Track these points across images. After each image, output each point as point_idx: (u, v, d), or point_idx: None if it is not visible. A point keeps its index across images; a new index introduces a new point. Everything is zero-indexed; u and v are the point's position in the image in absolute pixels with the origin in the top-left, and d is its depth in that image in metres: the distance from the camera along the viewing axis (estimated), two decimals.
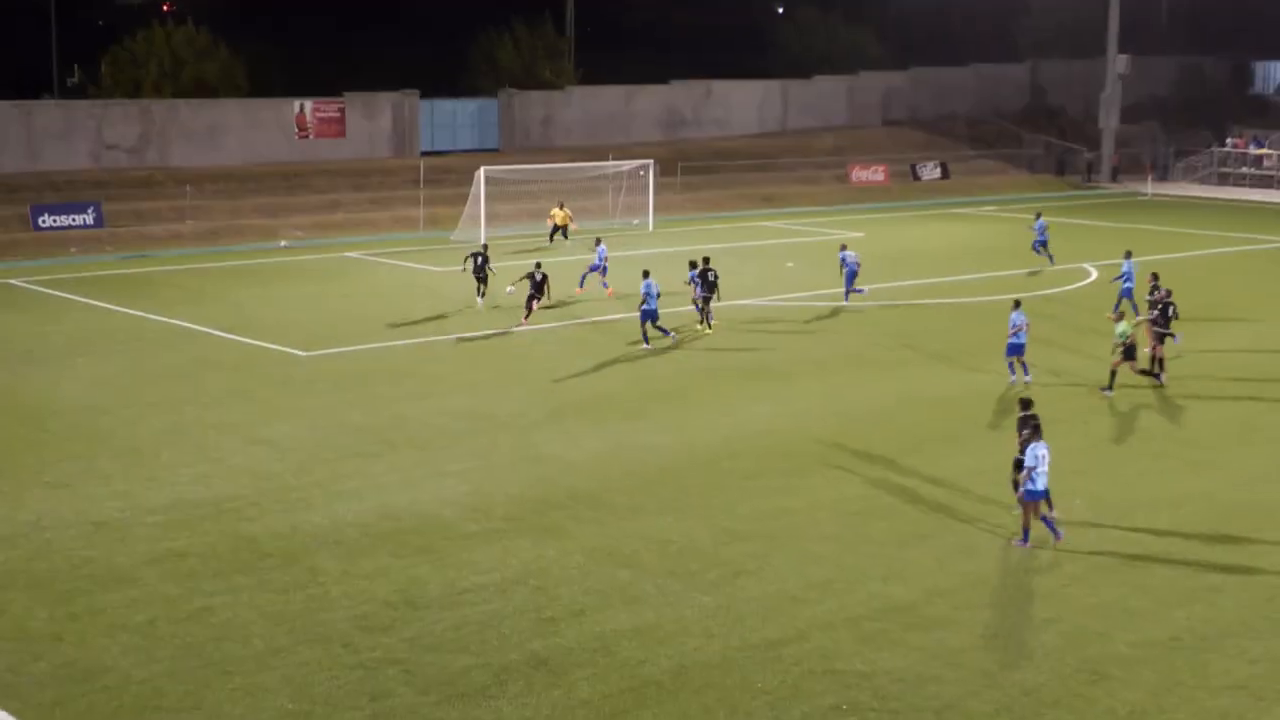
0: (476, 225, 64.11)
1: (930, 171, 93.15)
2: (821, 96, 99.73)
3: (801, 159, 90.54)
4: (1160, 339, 38.79)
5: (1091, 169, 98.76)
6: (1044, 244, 58.60)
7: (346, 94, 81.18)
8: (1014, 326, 37.58)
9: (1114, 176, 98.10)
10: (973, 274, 56.48)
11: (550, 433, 33.23)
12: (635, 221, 70.41)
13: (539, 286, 45.32)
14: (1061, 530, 25.97)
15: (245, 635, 21.79)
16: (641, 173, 72.32)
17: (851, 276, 49.25)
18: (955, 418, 35.01)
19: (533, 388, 37.68)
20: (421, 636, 21.79)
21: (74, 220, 65.00)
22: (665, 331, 42.94)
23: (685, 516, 27.43)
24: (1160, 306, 39.43)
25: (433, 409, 35.24)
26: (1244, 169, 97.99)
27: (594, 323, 46.71)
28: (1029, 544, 25.83)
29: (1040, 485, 25.51)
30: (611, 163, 73.75)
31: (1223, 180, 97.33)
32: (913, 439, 33.16)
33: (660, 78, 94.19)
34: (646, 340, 42.35)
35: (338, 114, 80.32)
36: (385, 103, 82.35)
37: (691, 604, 23.14)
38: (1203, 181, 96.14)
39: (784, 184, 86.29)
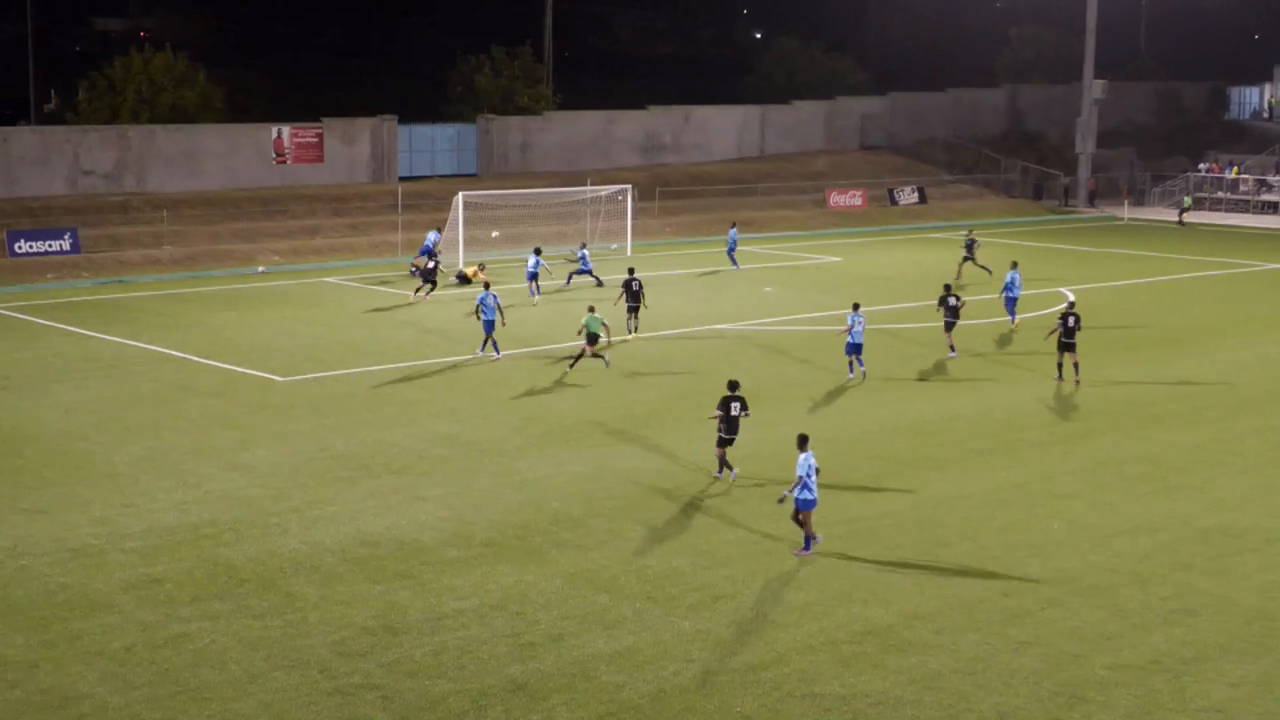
0: (455, 250, 64.13)
1: (908, 196, 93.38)
2: (800, 122, 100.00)
3: (780, 184, 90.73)
4: (1065, 350, 41.50)
5: (1068, 193, 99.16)
6: (970, 258, 62.31)
7: (325, 119, 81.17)
8: (851, 326, 41.24)
9: (1091, 201, 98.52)
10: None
11: (531, 458, 33.20)
12: (613, 246, 70.47)
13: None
14: (817, 541, 26.71)
15: (222, 661, 21.72)
16: (620, 198, 72.43)
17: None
18: (934, 443, 35.08)
19: (513, 413, 37.66)
20: (400, 662, 21.74)
21: (51, 246, 64.79)
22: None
23: (665, 541, 27.42)
24: (1064, 319, 41.55)
25: (412, 434, 35.20)
26: (1219, 194, 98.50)
27: (576, 348, 46.70)
28: (810, 551, 26.53)
29: (812, 494, 26.18)
30: (590, 188, 73.87)
31: (1198, 205, 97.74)
32: (893, 463, 33.22)
33: (639, 103, 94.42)
34: (491, 348, 44.61)
35: (316, 139, 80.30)
36: (364, 128, 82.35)
37: (670, 628, 23.13)
38: (1177, 206, 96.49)
39: (762, 208, 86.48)
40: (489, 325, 44.28)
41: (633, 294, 48.55)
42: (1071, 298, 45.09)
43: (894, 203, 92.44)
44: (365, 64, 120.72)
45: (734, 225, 68.41)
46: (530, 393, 39.98)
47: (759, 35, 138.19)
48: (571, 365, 41.99)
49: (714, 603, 24.27)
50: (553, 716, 20.05)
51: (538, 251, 56.68)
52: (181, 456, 33.08)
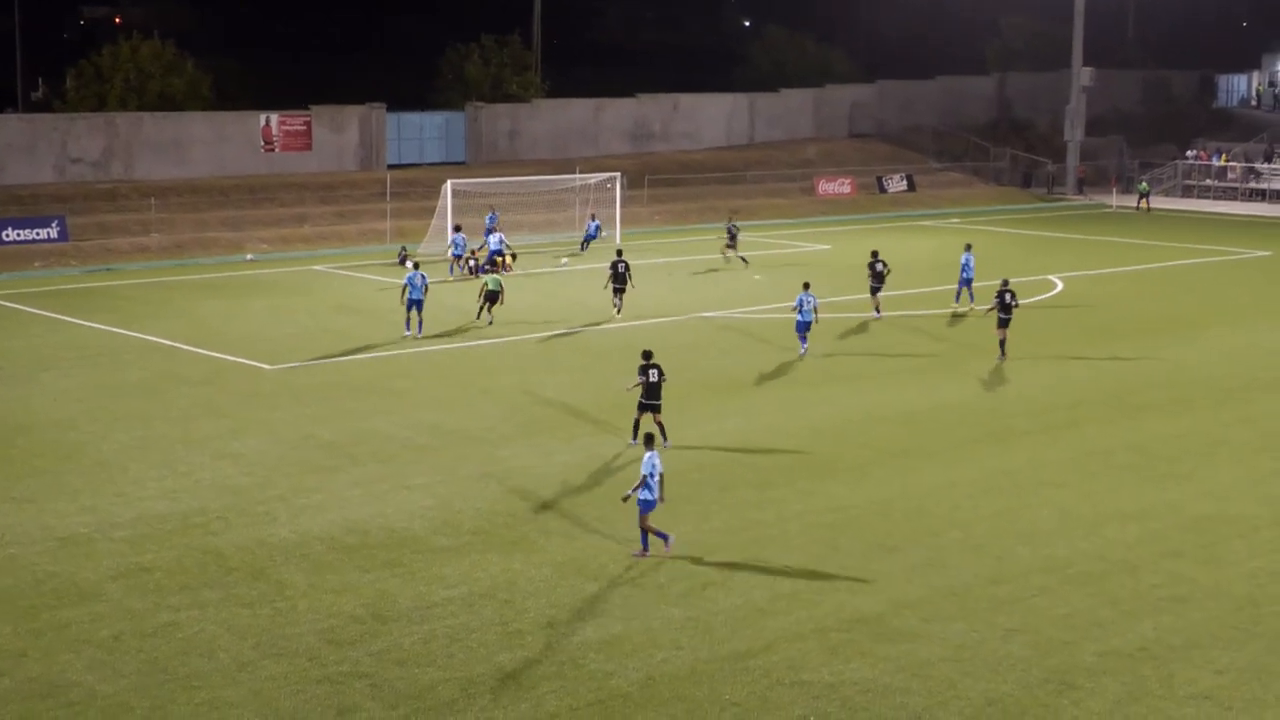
0: (443, 238, 64.03)
1: (897, 184, 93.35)
2: (789, 110, 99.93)
3: (768, 171, 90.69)
4: (1003, 325, 43.11)
5: (1054, 181, 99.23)
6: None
7: (313, 107, 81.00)
8: (801, 306, 42.87)
9: (1079, 189, 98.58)
10: (938, 286, 56.55)
11: (517, 446, 33.19)
12: (603, 234, 70.41)
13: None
14: (668, 542, 25.84)
15: (211, 650, 21.69)
16: (609, 185, 72.35)
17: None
18: (923, 431, 35.10)
19: (500, 401, 37.64)
20: (389, 650, 21.73)
21: (38, 234, 64.63)
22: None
23: None
24: (1000, 296, 43.13)
25: (399, 423, 35.17)
26: (1208, 181, 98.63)
27: (561, 335, 46.72)
28: (649, 553, 25.77)
29: (655, 494, 25.57)
30: (579, 175, 73.78)
31: (1186, 193, 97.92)
32: (880, 452, 33.24)
33: (628, 91, 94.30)
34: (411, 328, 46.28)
35: (304, 127, 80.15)
36: (352, 116, 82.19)
37: (659, 616, 23.13)
38: (1167, 194, 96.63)
39: (751, 196, 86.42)
40: (416, 304, 45.65)
41: (618, 275, 49.63)
42: (1055, 280, 45.30)
43: (883, 190, 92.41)
44: (354, 52, 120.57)
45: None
46: (516, 381, 39.94)
47: (748, 24, 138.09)
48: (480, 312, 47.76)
49: (702, 590, 24.28)
50: (542, 704, 20.05)
51: (458, 229, 60.00)
52: (170, 445, 33.03)
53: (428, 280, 46.48)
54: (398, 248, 64.29)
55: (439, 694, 20.31)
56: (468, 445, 33.28)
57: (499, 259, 59.50)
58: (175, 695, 20.18)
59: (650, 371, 32.67)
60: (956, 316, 50.19)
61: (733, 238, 63.64)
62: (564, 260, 62.76)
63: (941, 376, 41.20)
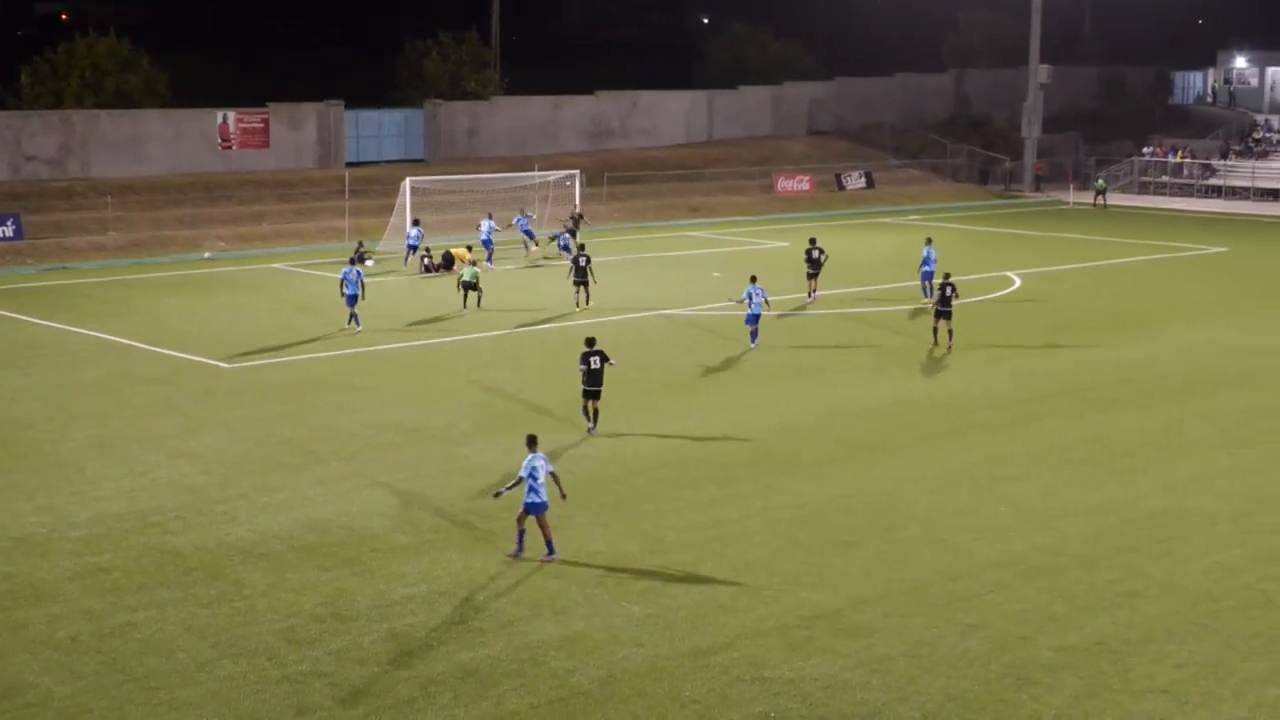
0: (402, 235, 63.92)
1: (855, 181, 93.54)
2: (747, 108, 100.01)
3: (727, 169, 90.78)
4: (940, 317, 44.11)
5: (1012, 178, 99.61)
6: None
7: (271, 104, 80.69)
8: (750, 298, 43.71)
9: (1037, 186, 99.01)
10: (898, 283, 56.77)
11: (478, 443, 33.14)
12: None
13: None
14: (551, 556, 25.43)
15: (169, 650, 21.59)
16: (568, 183, 72.33)
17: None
18: (884, 426, 35.20)
19: (462, 399, 37.58)
20: (349, 649, 21.67)
21: None
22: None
23: (615, 526, 27.42)
24: (940, 288, 44.31)
25: (360, 421, 35.07)
26: (1164, 178, 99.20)
27: (523, 333, 46.69)
28: (521, 554, 25.40)
29: (539, 498, 25.12)
30: (538, 173, 73.72)
31: (1143, 189, 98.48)
32: (842, 447, 33.32)
33: (587, 88, 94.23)
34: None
35: (261, 125, 79.83)
36: (310, 113, 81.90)
37: (620, 613, 23.13)
38: (1123, 190, 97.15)
39: (710, 194, 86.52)
40: (351, 299, 46.37)
41: (580, 270, 50.69)
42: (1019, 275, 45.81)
43: (841, 188, 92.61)
44: (312, 49, 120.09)
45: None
46: (477, 378, 39.90)
47: (707, 20, 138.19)
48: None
49: (664, 587, 24.29)
50: (502, 702, 20.03)
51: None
52: (127, 444, 32.86)
53: (363, 276, 47.37)
54: (356, 245, 64.09)
55: (399, 693, 20.26)
56: (429, 442, 33.22)
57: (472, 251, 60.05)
58: (133, 696, 20.08)
59: (592, 359, 33.42)
60: (919, 311, 50.32)
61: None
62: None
63: (903, 371, 41.33)
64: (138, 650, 21.57)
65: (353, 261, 50.50)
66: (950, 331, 43.83)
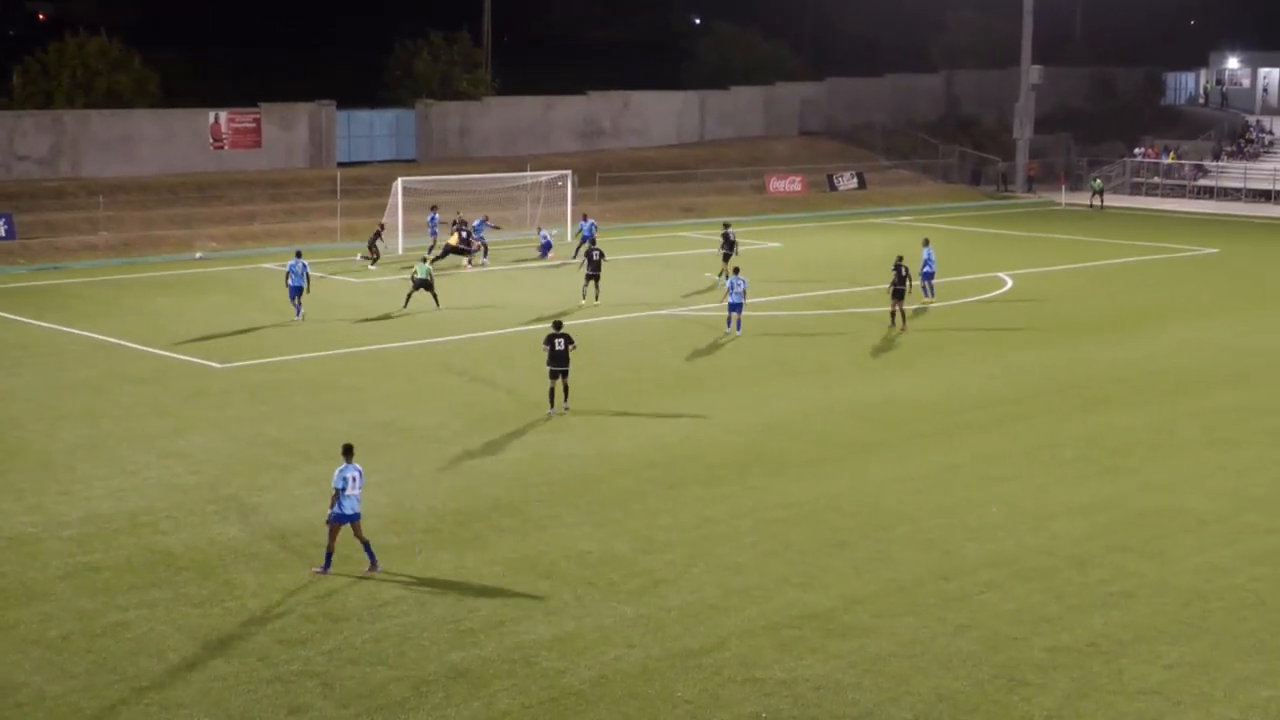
0: (394, 236, 63.92)
1: (847, 182, 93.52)
2: (739, 108, 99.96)
3: (719, 169, 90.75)
4: (897, 296, 46.61)
5: (1005, 179, 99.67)
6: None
7: (262, 104, 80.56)
8: (732, 288, 45.59)
9: (1029, 186, 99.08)
10: (888, 283, 56.66)
11: (469, 443, 33.12)
12: (554, 231, 70.32)
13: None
14: (378, 560, 24.93)
15: (161, 650, 21.56)
16: (560, 183, 72.27)
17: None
18: (875, 426, 35.22)
19: (452, 399, 37.55)
20: (340, 649, 21.65)
21: None
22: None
23: (606, 526, 27.42)
24: (897, 269, 46.86)
25: (351, 421, 35.03)
26: (1156, 178, 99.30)
27: (513, 333, 46.66)
28: (329, 569, 24.64)
29: (349, 509, 24.44)
30: (529, 173, 73.68)
31: (1135, 190, 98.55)
32: (832, 447, 33.34)
33: (578, 88, 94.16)
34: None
35: (253, 124, 79.71)
36: (301, 113, 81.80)
37: (612, 614, 23.12)
38: (1115, 191, 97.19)
39: (702, 194, 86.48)
40: (295, 290, 48.32)
41: (593, 263, 51.96)
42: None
43: (833, 188, 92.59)
44: (303, 49, 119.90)
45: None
46: (467, 379, 39.88)
47: (697, 20, 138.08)
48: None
49: (655, 588, 24.29)
50: (494, 703, 20.02)
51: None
52: (118, 444, 32.82)
53: (309, 268, 49.49)
54: (349, 245, 64.19)
55: (391, 693, 20.25)
56: (419, 442, 33.20)
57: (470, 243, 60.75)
58: (124, 696, 20.05)
59: (556, 341, 35.21)
60: (918, 311, 50.26)
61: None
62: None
63: (894, 371, 41.35)
64: (129, 650, 21.54)
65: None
66: (904, 314, 46.66)
